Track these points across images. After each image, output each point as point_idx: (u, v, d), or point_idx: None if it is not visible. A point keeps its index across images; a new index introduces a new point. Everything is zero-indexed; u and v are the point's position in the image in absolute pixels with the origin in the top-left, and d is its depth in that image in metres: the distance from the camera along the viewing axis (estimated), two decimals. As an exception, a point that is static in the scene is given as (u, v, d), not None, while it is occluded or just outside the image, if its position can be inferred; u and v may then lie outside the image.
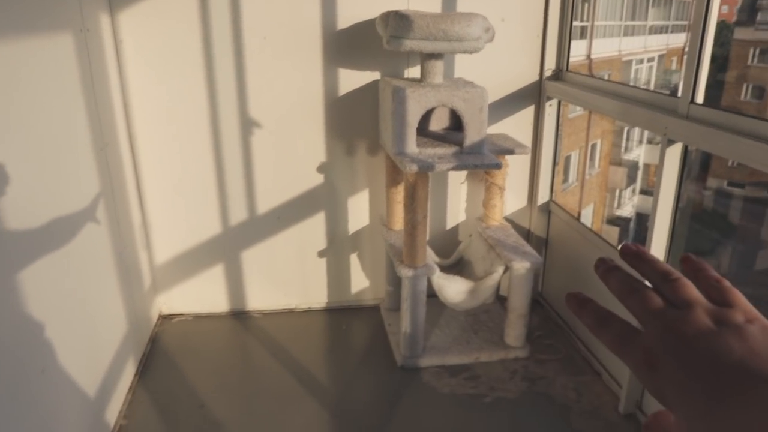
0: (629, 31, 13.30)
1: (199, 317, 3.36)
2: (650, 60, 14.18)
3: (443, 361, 2.96)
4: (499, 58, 3.07)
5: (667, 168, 2.30)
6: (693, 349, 0.37)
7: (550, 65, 3.15)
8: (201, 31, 2.86)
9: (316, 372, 2.95)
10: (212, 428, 2.56)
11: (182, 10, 2.81)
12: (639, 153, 15.09)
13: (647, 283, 0.43)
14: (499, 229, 3.18)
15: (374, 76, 3.03)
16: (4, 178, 1.69)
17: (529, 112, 3.25)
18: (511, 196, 3.37)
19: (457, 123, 2.87)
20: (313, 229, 3.28)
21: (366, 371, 2.98)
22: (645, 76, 14.06)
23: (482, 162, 2.61)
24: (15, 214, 1.75)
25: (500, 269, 2.91)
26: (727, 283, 0.41)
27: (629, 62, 13.12)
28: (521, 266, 2.83)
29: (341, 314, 3.44)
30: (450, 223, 3.43)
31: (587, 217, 12.54)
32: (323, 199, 3.23)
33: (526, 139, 3.25)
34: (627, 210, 15.25)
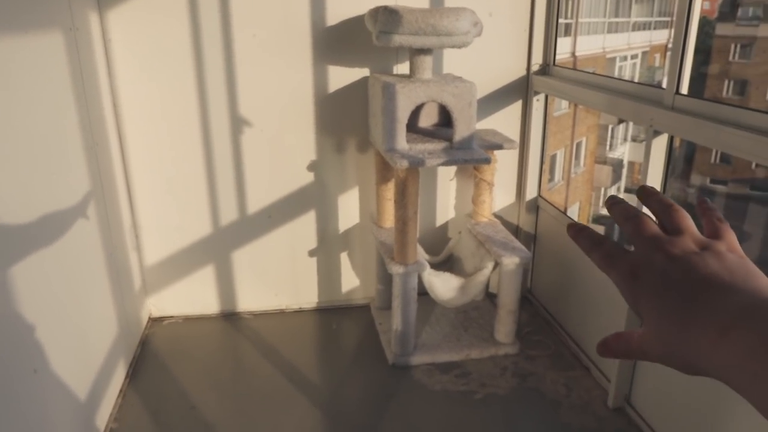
0: (613, 28, 13.40)
1: (189, 319, 3.33)
2: (634, 57, 14.30)
3: (434, 358, 2.96)
4: (487, 53, 3.08)
5: (653, 160, 2.32)
6: (674, 262, 0.42)
7: (537, 60, 3.17)
8: (190, 29, 2.84)
9: (308, 372, 2.94)
10: (204, 430, 2.54)
11: (171, 8, 2.80)
12: (623, 151, 15.21)
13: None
14: (488, 225, 3.19)
15: (363, 72, 3.03)
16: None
17: (516, 107, 3.26)
18: (500, 192, 3.38)
19: (446, 119, 2.88)
20: (304, 228, 3.27)
21: (357, 370, 2.98)
22: (629, 72, 14.19)
23: (472, 157, 2.62)
24: (4, 214, 1.73)
25: (490, 265, 2.92)
26: (725, 222, 0.46)
27: (613, 59, 13.24)
28: (510, 262, 2.84)
29: (332, 314, 3.43)
30: (440, 221, 3.44)
31: (573, 216, 12.62)
32: (314, 198, 3.22)
33: (514, 134, 3.26)
34: (613, 208, 15.31)
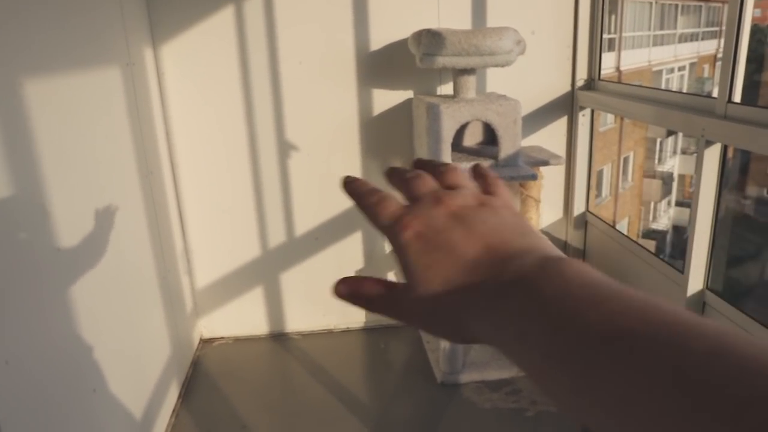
0: (658, 41, 13.17)
1: (239, 340, 3.39)
2: (681, 69, 14.00)
3: (483, 376, 2.92)
4: (531, 70, 3.08)
5: (705, 170, 2.26)
6: (454, 218, 0.40)
7: (582, 75, 3.14)
8: (238, 60, 2.93)
9: (357, 391, 2.94)
10: (257, 449, 2.57)
11: (220, 41, 2.90)
12: (673, 164, 14.84)
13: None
14: (537, 242, 3.15)
15: (407, 94, 3.06)
16: (59, 204, 1.75)
17: (562, 123, 3.24)
18: (547, 208, 3.34)
19: (490, 137, 2.88)
20: (351, 249, 3.30)
21: (406, 389, 2.97)
22: (676, 84, 13.88)
23: (518, 174, 2.60)
24: (67, 239, 1.81)
25: (540, 282, 2.87)
26: (499, 180, 0.47)
27: (659, 72, 12.98)
28: (561, 279, 2.79)
29: (380, 333, 3.44)
30: (486, 239, 3.41)
31: (622, 231, 12.32)
32: (360, 219, 3.23)
33: (560, 150, 3.23)
34: (663, 223, 14.95)
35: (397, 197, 0.44)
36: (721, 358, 0.25)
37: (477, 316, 0.36)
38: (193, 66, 2.93)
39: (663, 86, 12.90)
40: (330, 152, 3.12)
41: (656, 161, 14.35)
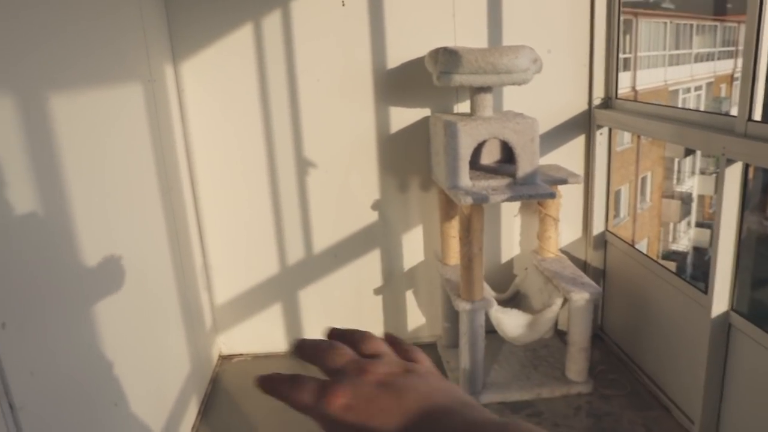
0: (674, 61, 13.15)
1: (257, 357, 3.39)
2: (698, 88, 13.94)
3: (504, 397, 2.90)
4: (548, 89, 3.09)
5: (727, 190, 2.24)
6: (383, 386, 0.39)
7: (599, 94, 3.15)
8: (257, 78, 2.98)
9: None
10: (275, 467, 2.56)
11: (239, 59, 2.95)
12: (692, 184, 14.71)
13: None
14: (555, 261, 3.14)
15: (424, 112, 3.09)
16: (82, 221, 1.78)
17: (579, 141, 3.24)
18: (566, 227, 3.33)
19: (508, 156, 2.88)
20: (369, 267, 3.31)
21: (425, 409, 2.94)
22: (693, 104, 13.82)
23: (536, 192, 2.60)
24: (90, 256, 1.84)
25: (559, 301, 2.86)
26: (416, 348, 0.47)
27: (676, 91, 12.94)
28: (580, 297, 2.78)
29: (398, 352, 3.42)
30: (505, 257, 3.41)
31: (643, 251, 12.19)
32: (378, 236, 3.26)
33: (578, 169, 3.23)
34: (683, 244, 14.78)
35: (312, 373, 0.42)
36: None
37: None
38: (213, 82, 2.98)
39: (680, 105, 12.85)
40: (348, 169, 3.14)
41: (675, 181, 14.24)
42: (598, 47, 3.08)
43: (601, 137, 3.19)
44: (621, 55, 3.21)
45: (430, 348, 3.40)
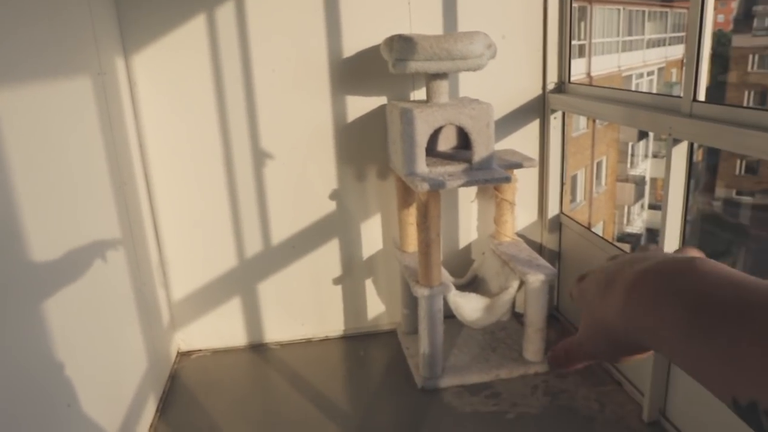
0: (627, 47, 13.41)
1: (217, 352, 3.35)
2: (650, 74, 14.27)
3: (463, 380, 2.93)
4: (502, 74, 3.11)
5: (674, 168, 2.31)
6: (598, 271, 0.45)
7: (552, 78, 3.19)
8: (211, 68, 2.92)
9: (337, 399, 2.93)
10: (237, 461, 2.54)
11: (192, 49, 2.88)
12: (645, 167, 15.08)
13: None
14: (512, 244, 3.18)
15: (381, 101, 3.07)
16: (28, 217, 1.72)
17: (534, 126, 3.28)
18: (522, 211, 3.38)
19: (464, 142, 2.90)
20: (328, 257, 3.29)
21: (386, 395, 2.96)
22: (646, 89, 14.14)
23: (492, 176, 2.63)
24: (37, 252, 1.78)
25: (515, 284, 2.90)
26: None
27: (629, 77, 13.22)
28: (536, 279, 2.82)
29: (359, 341, 3.43)
30: (462, 243, 3.44)
31: (597, 233, 12.45)
32: (337, 226, 3.25)
33: (534, 153, 3.27)
34: (637, 226, 15.17)
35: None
36: None
37: (617, 321, 0.41)
38: (166, 75, 2.91)
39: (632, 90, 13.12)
40: (305, 159, 3.11)
41: (629, 165, 14.57)
42: (551, 32, 3.12)
43: (555, 121, 3.23)
44: (576, 42, 3.25)
45: (389, 335, 3.42)
